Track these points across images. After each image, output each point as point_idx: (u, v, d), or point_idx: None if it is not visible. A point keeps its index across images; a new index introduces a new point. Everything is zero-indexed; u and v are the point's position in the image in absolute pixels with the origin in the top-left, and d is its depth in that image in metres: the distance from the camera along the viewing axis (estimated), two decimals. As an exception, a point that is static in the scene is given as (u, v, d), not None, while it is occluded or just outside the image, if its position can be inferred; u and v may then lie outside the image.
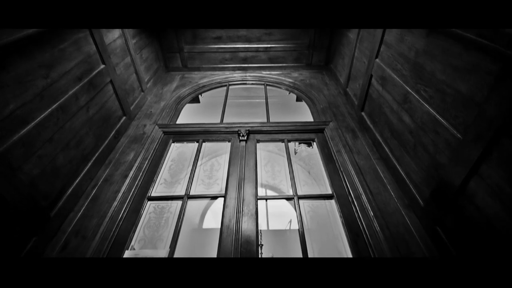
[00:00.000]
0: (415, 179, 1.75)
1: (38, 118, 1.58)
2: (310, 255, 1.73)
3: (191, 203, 2.03)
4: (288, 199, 2.14)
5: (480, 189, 1.23)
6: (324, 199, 2.13)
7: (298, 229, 1.80)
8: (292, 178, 2.19)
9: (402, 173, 1.90)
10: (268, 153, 2.94)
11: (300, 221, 1.86)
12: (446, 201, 1.43)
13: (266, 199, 2.24)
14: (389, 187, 1.96)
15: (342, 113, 2.89)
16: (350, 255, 1.70)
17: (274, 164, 2.73)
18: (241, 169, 2.19)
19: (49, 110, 1.66)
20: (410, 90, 1.80)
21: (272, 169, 2.68)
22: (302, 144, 3.04)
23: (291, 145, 2.67)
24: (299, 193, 2.09)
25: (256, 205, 1.95)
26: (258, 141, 2.59)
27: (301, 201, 2.07)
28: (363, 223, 1.73)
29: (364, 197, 1.88)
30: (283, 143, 2.60)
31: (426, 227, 1.64)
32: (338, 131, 2.57)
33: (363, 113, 2.62)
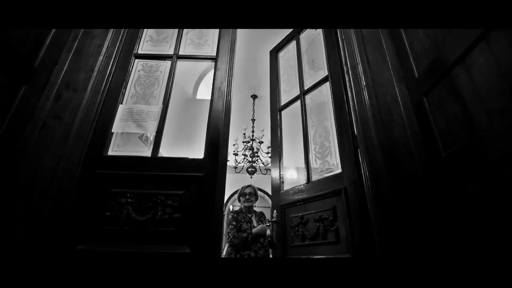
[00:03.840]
0: (418, 48, 1.65)
1: None
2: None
3: (181, 64, 1.95)
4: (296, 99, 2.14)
5: (481, 57, 1.17)
6: (322, 83, 2.11)
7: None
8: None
9: (406, 42, 1.77)
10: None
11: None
12: (442, 69, 1.40)
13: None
14: (388, 59, 1.87)
15: (357, -31, 2.41)
16: (333, 121, 1.82)
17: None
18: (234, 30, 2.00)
19: None
20: None
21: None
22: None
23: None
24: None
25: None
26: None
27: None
28: (353, 91, 1.76)
29: (360, 67, 1.83)
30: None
31: (414, 98, 1.67)
32: (348, -8, 2.22)
33: (382, -31, 2.19)
